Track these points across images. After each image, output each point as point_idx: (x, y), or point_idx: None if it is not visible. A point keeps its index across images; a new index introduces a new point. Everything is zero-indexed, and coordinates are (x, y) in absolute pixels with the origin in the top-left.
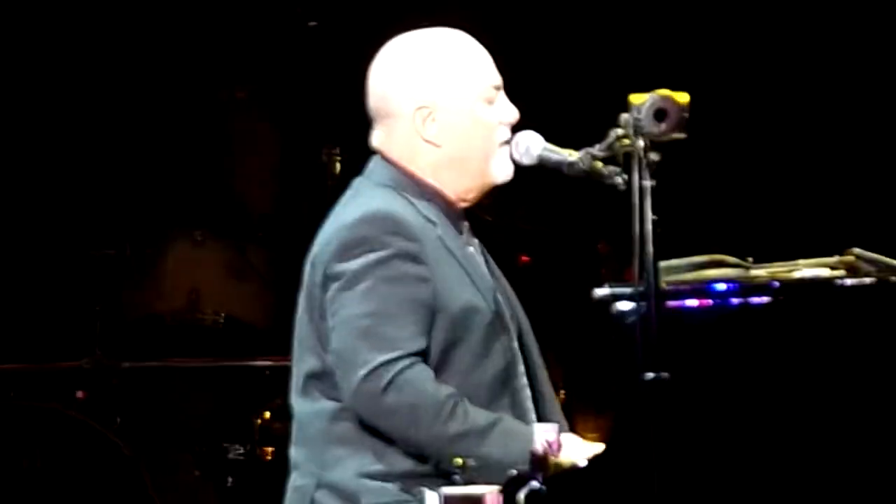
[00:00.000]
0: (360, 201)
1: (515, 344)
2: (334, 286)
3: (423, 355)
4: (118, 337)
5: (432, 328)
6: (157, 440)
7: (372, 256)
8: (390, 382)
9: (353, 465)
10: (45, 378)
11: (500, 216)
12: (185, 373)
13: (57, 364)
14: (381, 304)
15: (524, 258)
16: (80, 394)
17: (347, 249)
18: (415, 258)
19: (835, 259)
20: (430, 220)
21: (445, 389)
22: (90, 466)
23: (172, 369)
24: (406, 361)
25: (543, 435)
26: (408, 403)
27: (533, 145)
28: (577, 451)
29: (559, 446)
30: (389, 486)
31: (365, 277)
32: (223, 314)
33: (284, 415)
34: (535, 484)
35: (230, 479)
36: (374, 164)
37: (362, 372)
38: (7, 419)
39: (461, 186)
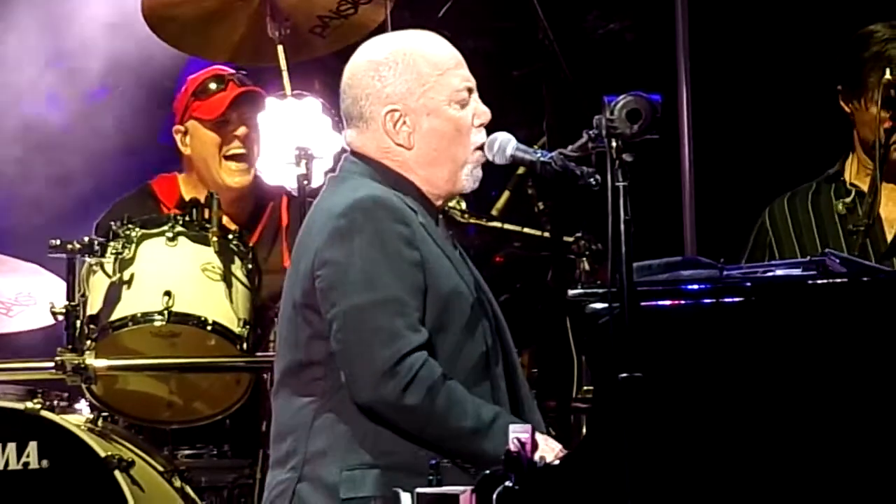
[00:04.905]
0: (344, 191)
1: (492, 337)
2: (329, 274)
3: (428, 345)
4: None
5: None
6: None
7: (367, 242)
8: (410, 382)
9: (335, 458)
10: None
11: (474, 216)
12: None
13: (31, 362)
14: (383, 292)
15: (498, 258)
16: None
17: (341, 236)
18: (409, 242)
19: (807, 259)
20: (411, 208)
21: (457, 386)
22: (65, 469)
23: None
24: (419, 356)
25: (517, 434)
26: (427, 402)
27: (506, 145)
28: (550, 449)
29: (533, 446)
30: (369, 478)
31: (362, 264)
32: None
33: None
34: (508, 484)
35: (203, 480)
36: (345, 162)
37: (379, 371)
38: None
39: (432, 188)
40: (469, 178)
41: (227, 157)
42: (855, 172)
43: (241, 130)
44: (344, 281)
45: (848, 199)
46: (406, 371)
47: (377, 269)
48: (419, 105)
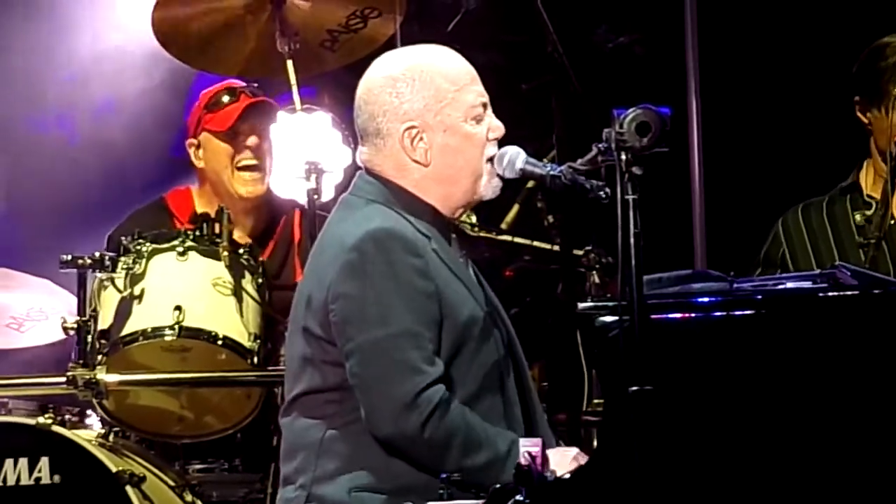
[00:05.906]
0: (356, 219)
1: (504, 352)
2: (344, 308)
3: (444, 375)
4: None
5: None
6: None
7: (381, 275)
8: (430, 415)
9: (344, 479)
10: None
11: (483, 229)
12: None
13: (42, 378)
14: (398, 325)
15: (508, 272)
16: None
17: (353, 269)
18: (423, 274)
19: (818, 272)
20: (423, 234)
21: (473, 417)
22: (77, 484)
23: (160, 383)
24: (437, 389)
25: (527, 449)
26: (446, 437)
27: (515, 159)
28: (561, 463)
29: (543, 460)
30: (378, 500)
31: (377, 297)
32: None
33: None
34: (518, 497)
35: (214, 494)
36: (360, 181)
37: (399, 405)
38: None
39: (449, 203)
40: (488, 187)
41: (240, 168)
42: (871, 183)
43: (253, 140)
44: (359, 315)
45: (869, 212)
46: (426, 404)
47: (391, 301)
48: (437, 121)
